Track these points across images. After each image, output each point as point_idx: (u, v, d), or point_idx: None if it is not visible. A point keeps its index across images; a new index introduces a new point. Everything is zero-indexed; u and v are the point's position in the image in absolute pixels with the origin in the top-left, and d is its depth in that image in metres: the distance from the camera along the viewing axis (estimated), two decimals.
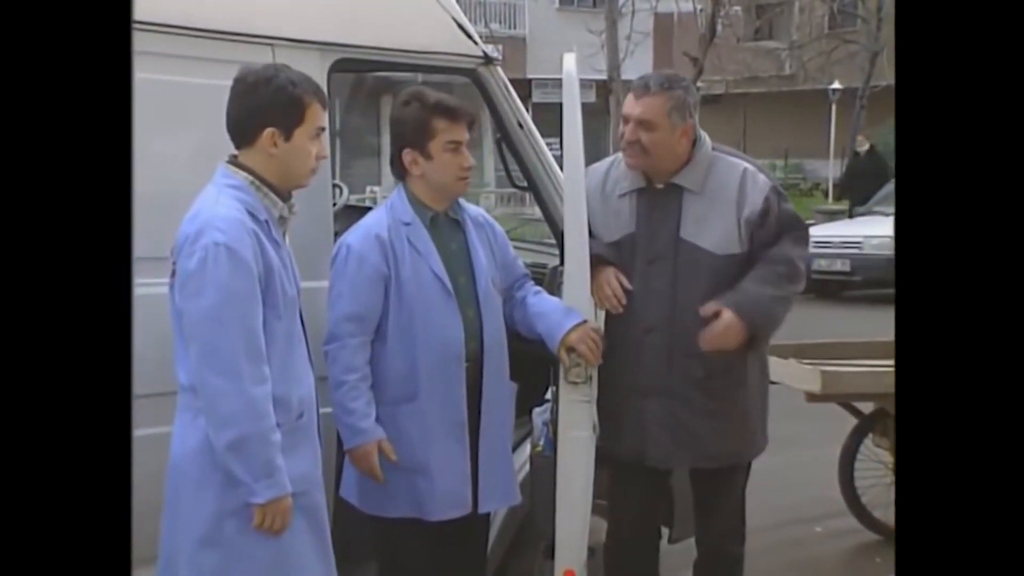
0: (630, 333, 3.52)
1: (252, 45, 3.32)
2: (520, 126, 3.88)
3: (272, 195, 2.91)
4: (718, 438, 3.57)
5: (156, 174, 2.96)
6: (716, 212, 3.49)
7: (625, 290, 3.50)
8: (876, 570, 5.22)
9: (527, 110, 3.99)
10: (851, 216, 16.09)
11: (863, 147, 17.55)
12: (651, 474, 3.71)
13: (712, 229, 3.48)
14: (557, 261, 3.59)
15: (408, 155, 3.35)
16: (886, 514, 5.39)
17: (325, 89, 3.26)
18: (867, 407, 5.56)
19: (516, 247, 3.86)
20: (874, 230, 13.30)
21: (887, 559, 4.93)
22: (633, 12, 19.85)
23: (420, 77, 6.03)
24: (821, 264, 13.25)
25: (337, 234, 3.49)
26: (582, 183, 3.42)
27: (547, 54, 23.51)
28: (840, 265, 13.71)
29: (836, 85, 26.09)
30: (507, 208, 20.97)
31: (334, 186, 4.52)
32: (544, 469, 3.47)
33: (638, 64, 17.25)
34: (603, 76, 18.92)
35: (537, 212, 4.10)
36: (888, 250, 12.11)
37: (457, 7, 3.83)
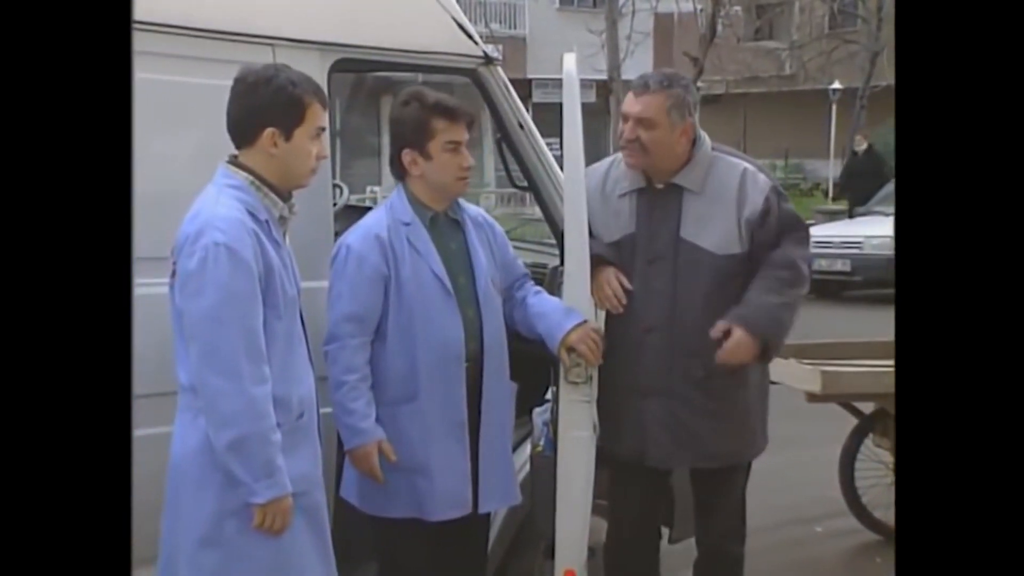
0: (630, 333, 3.52)
1: (252, 45, 3.32)
2: (520, 126, 3.88)
3: (272, 195, 2.91)
4: (718, 438, 3.57)
5: (156, 174, 2.96)
6: (716, 212, 3.49)
7: (625, 290, 3.50)
8: (876, 570, 5.22)
9: (527, 110, 3.99)
10: (851, 216, 16.08)
11: (861, 146, 17.54)
12: (651, 474, 3.71)
13: (712, 229, 3.48)
14: (557, 261, 3.59)
15: (407, 155, 3.35)
16: (886, 514, 5.39)
17: (325, 89, 3.26)
18: (867, 407, 5.56)
19: (516, 247, 3.86)
20: (874, 230, 13.30)
21: (887, 559, 4.93)
22: (633, 12, 19.86)
23: (420, 77, 6.02)
24: (821, 264, 13.23)
25: (337, 234, 3.49)
26: (582, 183, 3.42)
27: (547, 54, 23.52)
28: (840, 265, 13.70)
29: (836, 85, 26.09)
30: (507, 208, 20.98)
31: (334, 186, 4.53)
32: (544, 469, 3.47)
33: (638, 64, 17.24)
34: (603, 76, 18.93)
35: (537, 212, 4.10)
36: (888, 250, 12.10)
37: (457, 7, 3.83)
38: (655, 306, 3.50)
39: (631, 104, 3.50)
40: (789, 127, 29.92)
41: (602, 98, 20.24)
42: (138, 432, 2.12)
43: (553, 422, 3.47)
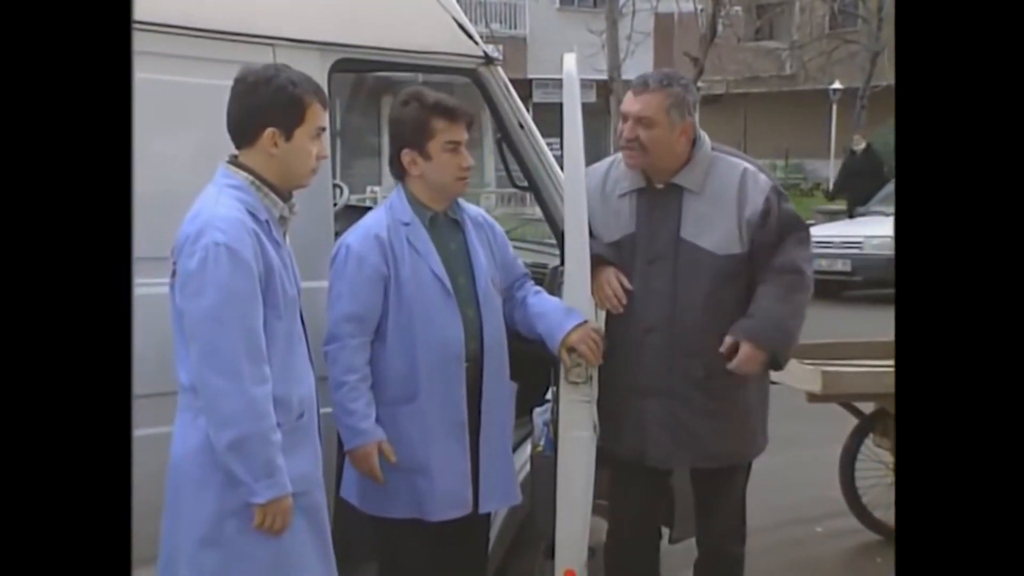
0: (630, 333, 3.52)
1: (253, 45, 3.32)
2: (521, 126, 3.88)
3: (272, 195, 2.91)
4: (718, 438, 3.57)
5: (156, 174, 2.96)
6: (716, 212, 3.49)
7: (625, 290, 3.50)
8: (877, 570, 5.22)
9: (528, 110, 3.99)
10: (851, 216, 16.08)
11: (859, 146, 17.50)
12: (651, 474, 3.71)
13: (712, 229, 3.48)
14: (557, 261, 3.59)
15: (407, 155, 3.35)
16: (887, 514, 5.38)
17: (326, 89, 3.26)
18: (868, 407, 5.56)
19: (516, 247, 3.86)
20: (874, 230, 13.29)
21: (888, 559, 4.93)
22: (634, 12, 19.88)
23: (421, 77, 6.02)
24: (822, 264, 13.20)
25: (337, 234, 3.49)
26: (582, 183, 3.42)
27: (547, 54, 23.52)
28: (841, 265, 13.69)
29: (837, 85, 26.09)
30: (507, 208, 20.98)
31: (335, 186, 4.53)
32: (545, 469, 3.47)
33: (639, 64, 17.25)
34: (604, 76, 18.95)
35: (537, 212, 4.10)
36: (888, 250, 12.09)
37: (457, 7, 3.83)
38: (655, 306, 3.51)
39: (630, 103, 3.50)
40: (789, 127, 29.92)
41: (602, 98, 20.24)
42: (138, 432, 2.12)
43: (553, 422, 3.47)
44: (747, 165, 3.56)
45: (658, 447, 3.57)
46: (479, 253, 3.44)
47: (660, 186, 3.55)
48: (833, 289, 13.47)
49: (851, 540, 5.65)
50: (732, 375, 3.50)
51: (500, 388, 3.46)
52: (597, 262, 3.45)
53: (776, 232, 3.50)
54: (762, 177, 3.55)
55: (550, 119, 4.34)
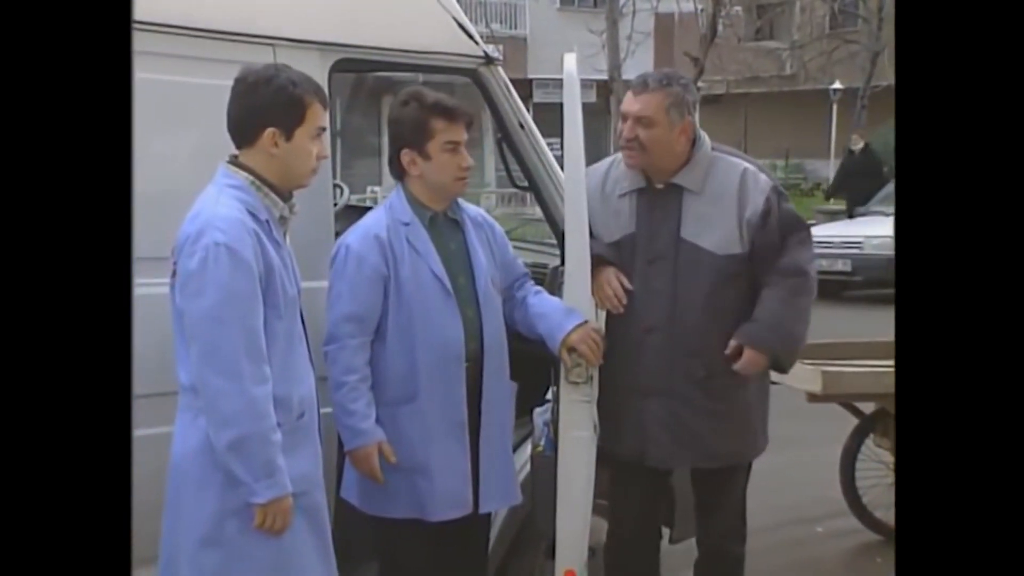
0: (631, 333, 3.52)
1: (253, 45, 3.31)
2: (521, 126, 3.88)
3: (273, 195, 2.91)
4: (719, 438, 3.58)
5: (156, 174, 2.96)
6: (717, 212, 3.49)
7: (626, 290, 3.50)
8: (877, 570, 5.22)
9: (528, 110, 3.99)
10: (851, 216, 16.07)
11: (857, 145, 17.49)
12: (652, 474, 3.71)
13: (713, 229, 3.48)
14: (558, 261, 3.59)
15: (406, 155, 3.35)
16: (887, 514, 5.39)
17: (326, 89, 3.26)
18: (868, 407, 5.56)
19: (517, 247, 3.86)
20: (875, 230, 13.28)
21: (888, 559, 4.92)
22: (634, 12, 19.87)
23: (421, 77, 6.02)
24: (822, 264, 13.04)
25: (338, 234, 3.49)
26: (583, 183, 3.42)
27: (548, 54, 23.52)
28: (841, 265, 13.67)
29: (837, 85, 26.09)
30: (508, 208, 20.98)
31: (335, 186, 4.52)
32: (545, 469, 3.47)
33: (639, 64, 17.24)
34: (604, 76, 18.94)
35: (538, 212, 4.10)
36: (889, 250, 12.09)
37: (458, 7, 3.83)
38: (656, 306, 3.51)
39: (630, 103, 3.51)
40: (790, 127, 29.92)
41: (603, 98, 20.24)
42: (138, 432, 2.12)
43: (554, 422, 3.47)
44: (747, 165, 3.56)
45: (658, 447, 3.57)
46: (479, 253, 3.44)
47: (660, 186, 3.55)
48: (833, 289, 13.44)
49: (851, 540, 5.65)
50: (733, 375, 3.51)
51: (500, 388, 3.46)
52: (597, 262, 3.46)
53: (777, 232, 3.50)
54: (762, 177, 3.55)
55: (550, 119, 4.34)
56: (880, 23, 24.07)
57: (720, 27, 19.79)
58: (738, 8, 24.54)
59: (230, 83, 2.92)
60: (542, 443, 3.53)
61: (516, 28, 28.78)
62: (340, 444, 3.35)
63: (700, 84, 18.11)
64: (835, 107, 26.31)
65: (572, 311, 3.38)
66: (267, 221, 2.87)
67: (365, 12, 3.66)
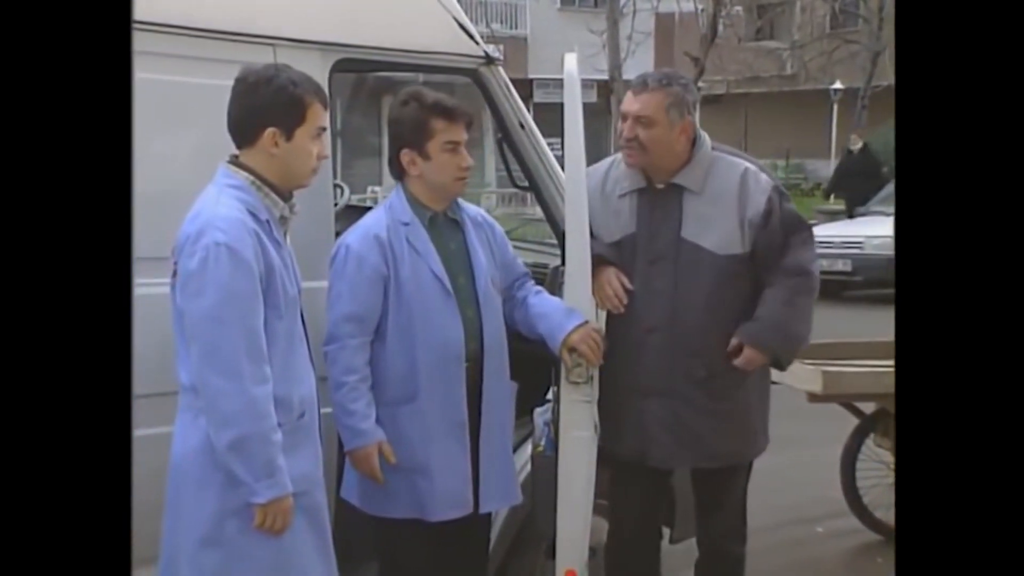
0: (631, 333, 3.52)
1: (253, 45, 3.31)
2: (521, 126, 3.87)
3: (273, 195, 2.91)
4: (719, 438, 3.58)
5: (156, 174, 2.96)
6: (717, 212, 3.49)
7: (626, 290, 3.50)
8: (878, 570, 5.22)
9: (528, 110, 3.98)
10: (850, 216, 16.08)
11: (856, 145, 17.53)
12: (652, 474, 3.71)
13: (714, 229, 3.48)
14: (558, 261, 3.59)
15: (406, 155, 3.35)
16: (887, 514, 5.38)
17: (326, 89, 3.26)
18: (869, 407, 5.56)
19: (517, 247, 3.86)
20: (875, 230, 13.28)
21: (888, 559, 4.92)
22: (634, 12, 19.85)
23: (421, 77, 6.02)
24: (822, 264, 13.09)
25: (338, 234, 3.49)
26: (583, 183, 3.42)
27: (548, 54, 23.51)
28: (841, 265, 13.67)
29: (838, 85, 26.10)
30: (508, 208, 20.97)
31: (335, 186, 4.52)
32: (545, 469, 3.47)
33: (639, 64, 17.23)
34: (604, 76, 18.93)
35: (538, 212, 4.10)
36: (889, 250, 12.09)
37: (458, 7, 3.83)
38: (656, 306, 3.51)
39: (630, 103, 3.51)
40: (790, 127, 29.91)
41: (603, 98, 20.23)
42: (138, 432, 2.12)
43: (554, 422, 3.47)
44: (748, 165, 3.57)
45: (660, 447, 3.57)
46: (479, 253, 3.44)
47: (660, 186, 3.55)
48: (833, 289, 13.43)
49: (852, 540, 5.65)
50: (734, 375, 3.51)
51: (500, 388, 3.46)
52: (598, 262, 3.45)
53: (779, 232, 3.50)
54: (763, 177, 3.56)
55: (551, 119, 4.34)
56: (881, 23, 24.07)
57: (720, 27, 19.78)
58: (738, 8, 24.52)
59: (230, 83, 2.92)
60: (542, 443, 3.52)
61: (516, 28, 28.77)
62: (340, 444, 3.35)
63: (700, 84, 18.11)
64: (836, 107, 26.31)
65: (573, 311, 3.38)
66: (267, 221, 2.87)
67: (365, 12, 3.66)
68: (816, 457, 6.09)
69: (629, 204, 3.57)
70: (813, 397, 5.12)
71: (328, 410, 3.22)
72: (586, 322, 3.37)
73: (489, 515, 3.57)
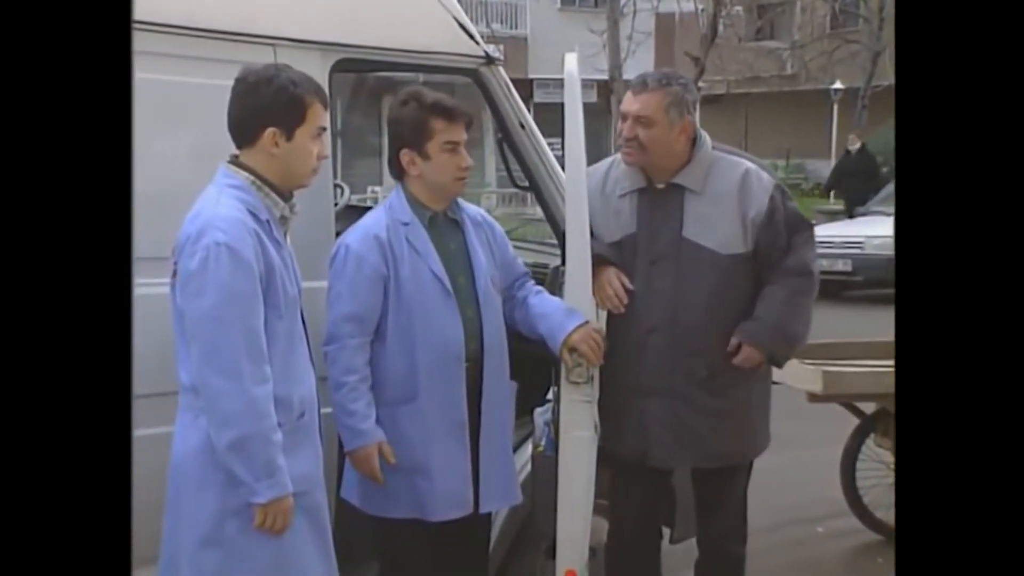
0: (632, 333, 3.52)
1: (253, 45, 3.31)
2: (522, 126, 3.87)
3: (273, 195, 2.91)
4: (720, 438, 3.58)
5: (156, 174, 2.96)
6: (719, 212, 3.49)
7: (627, 290, 3.50)
8: (878, 570, 5.22)
9: (529, 110, 3.98)
10: (850, 216, 16.09)
11: (854, 146, 17.57)
12: (653, 474, 3.71)
13: (715, 229, 3.49)
14: (559, 261, 3.59)
15: (406, 155, 3.35)
16: (888, 514, 5.38)
17: (326, 89, 3.26)
18: (869, 407, 5.56)
19: (517, 247, 3.86)
20: (875, 230, 13.28)
21: (889, 559, 4.92)
22: (635, 12, 19.84)
23: (422, 77, 6.02)
24: (823, 264, 13.08)
25: (338, 234, 3.49)
26: (583, 183, 3.42)
27: (549, 54, 23.50)
28: (841, 265, 13.67)
29: (838, 85, 26.08)
30: (508, 208, 20.95)
31: (335, 186, 4.52)
32: (545, 469, 3.47)
33: (640, 64, 17.21)
34: (605, 76, 18.92)
35: (538, 212, 4.10)
36: (889, 250, 12.08)
37: (459, 7, 3.83)
38: (657, 306, 3.51)
39: (630, 102, 3.51)
40: (790, 127, 29.89)
41: (603, 98, 20.23)
42: (138, 432, 2.12)
43: (554, 422, 3.47)
44: (749, 164, 3.57)
45: (661, 447, 3.57)
46: (479, 253, 3.44)
47: (661, 186, 3.55)
48: (834, 289, 13.43)
49: (852, 540, 5.65)
50: (735, 374, 3.52)
51: (500, 388, 3.46)
52: (598, 262, 3.45)
53: (782, 231, 3.51)
54: (765, 176, 3.56)
55: (551, 119, 4.34)
56: (881, 23, 24.05)
57: (721, 27, 19.78)
58: (739, 8, 24.52)
59: (230, 83, 2.92)
60: (543, 443, 3.53)
61: (517, 28, 28.78)
62: (341, 444, 3.35)
63: (701, 84, 18.11)
64: (836, 107, 26.30)
65: (573, 311, 3.38)
66: (268, 221, 2.87)
67: (366, 12, 3.66)
68: (816, 457, 6.09)
69: (629, 204, 3.57)
70: (813, 397, 5.12)
71: (328, 410, 3.22)
72: (586, 322, 3.37)
73: (489, 515, 3.57)
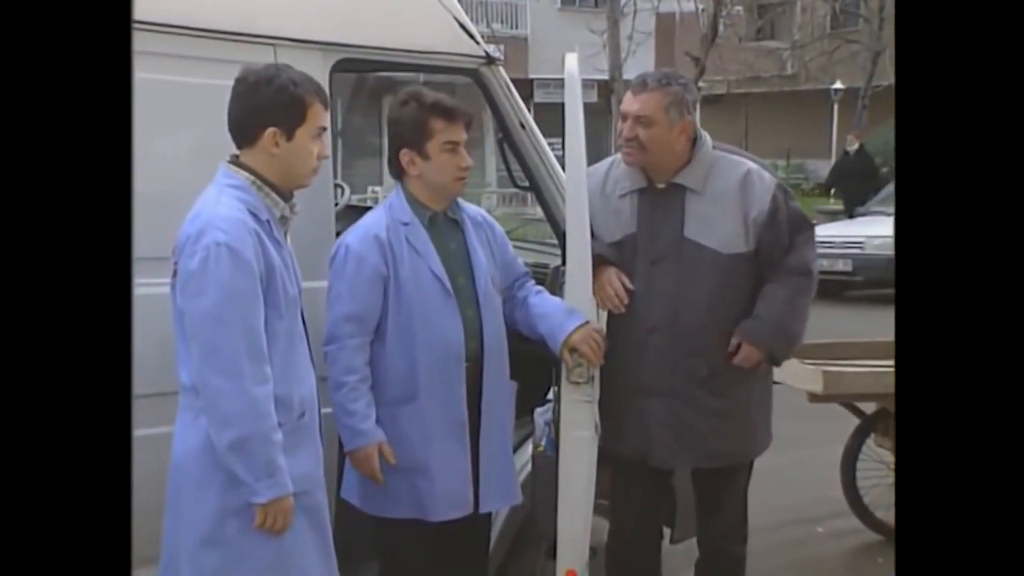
0: (632, 333, 3.52)
1: (254, 45, 3.31)
2: (522, 126, 3.88)
3: (274, 195, 2.91)
4: (721, 438, 3.58)
5: (156, 174, 2.96)
6: (720, 211, 3.49)
7: (627, 290, 3.50)
8: (878, 570, 5.22)
9: (529, 110, 3.98)
10: (850, 216, 16.10)
11: (853, 146, 17.61)
12: (653, 474, 3.71)
13: (716, 228, 3.49)
14: (559, 261, 3.59)
15: (405, 155, 3.35)
16: (888, 514, 5.38)
17: (327, 89, 3.26)
18: (869, 407, 5.56)
19: (518, 247, 3.86)
20: (876, 230, 13.28)
21: (889, 559, 4.92)
22: (635, 12, 19.84)
23: (422, 77, 6.02)
24: (823, 264, 13.05)
25: (338, 234, 3.49)
26: (584, 183, 3.42)
27: (549, 54, 23.50)
28: (842, 265, 13.67)
29: (838, 85, 26.08)
30: (509, 208, 20.96)
31: (336, 186, 4.52)
32: (546, 469, 3.47)
33: (640, 64, 17.21)
34: (605, 76, 18.92)
35: (539, 212, 4.10)
36: (890, 250, 12.08)
37: (459, 7, 3.83)
38: (658, 306, 3.51)
39: (629, 102, 3.51)
40: (791, 127, 29.89)
41: (604, 98, 20.22)
42: (138, 432, 2.12)
43: (555, 422, 3.47)
44: (751, 164, 3.57)
45: (662, 447, 3.57)
46: (479, 253, 3.44)
47: (661, 186, 3.55)
48: (834, 289, 13.44)
49: (852, 540, 5.65)
50: (736, 374, 3.52)
51: (500, 388, 3.46)
52: (599, 262, 3.45)
53: (785, 231, 3.52)
54: (766, 175, 3.56)
55: (551, 119, 4.34)
56: (881, 23, 24.04)
57: (721, 27, 19.78)
58: (739, 8, 24.51)
59: (231, 83, 2.92)
60: (543, 443, 3.52)
61: (517, 28, 28.78)
62: (341, 444, 3.35)
63: (701, 84, 18.11)
64: (836, 107, 26.30)
65: (573, 311, 3.38)
66: (268, 221, 2.87)
67: (366, 12, 3.66)
68: (817, 457, 6.09)
69: (630, 204, 3.57)
70: (814, 397, 5.12)
71: (328, 410, 3.22)
72: (587, 322, 3.37)
73: (489, 515, 3.57)
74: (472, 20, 3.97)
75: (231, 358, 2.73)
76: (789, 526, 5.80)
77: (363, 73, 5.41)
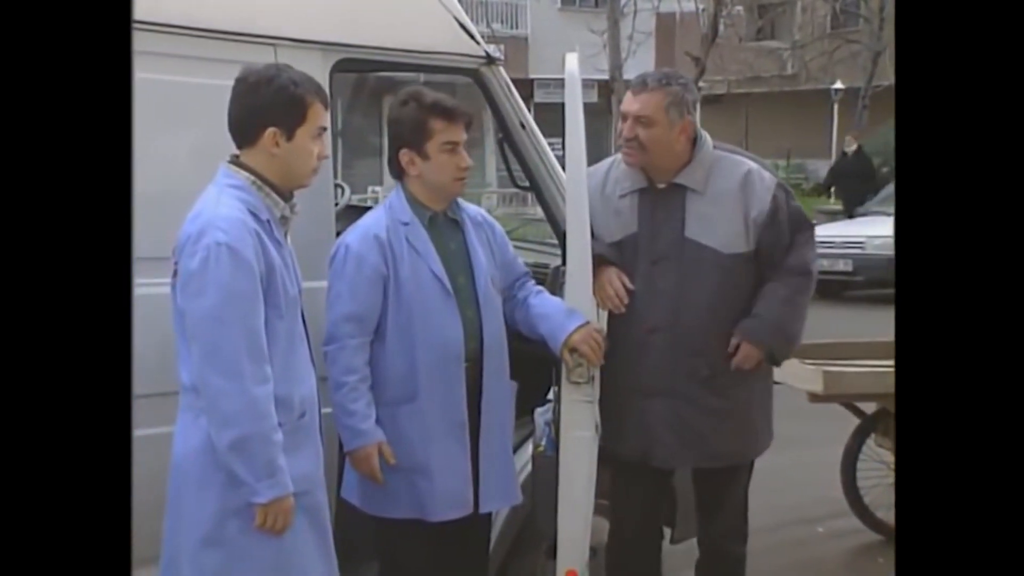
0: (633, 333, 3.52)
1: (254, 45, 3.31)
2: (522, 126, 3.87)
3: (274, 195, 2.91)
4: (722, 437, 3.58)
5: (156, 174, 2.96)
6: (721, 211, 3.49)
7: (628, 290, 3.50)
8: (878, 570, 5.22)
9: (529, 110, 3.98)
10: (850, 216, 16.10)
11: (851, 147, 17.63)
12: (654, 474, 3.71)
13: (717, 228, 3.49)
14: (559, 261, 3.59)
15: (405, 155, 3.35)
16: (888, 514, 5.38)
17: (327, 89, 3.26)
18: (869, 407, 5.56)
19: (518, 247, 3.86)
20: (876, 230, 13.28)
21: (889, 559, 4.92)
22: (635, 12, 19.85)
23: (422, 77, 6.02)
24: (823, 264, 13.02)
25: (338, 234, 3.49)
26: (584, 183, 3.42)
27: (549, 54, 23.50)
28: (842, 265, 13.68)
29: (838, 85, 26.08)
30: (509, 208, 20.98)
31: (336, 186, 4.52)
32: (546, 469, 3.47)
33: (640, 64, 17.21)
34: (605, 76, 18.93)
35: (539, 212, 4.10)
36: (890, 250, 12.08)
37: (459, 7, 3.83)
38: (659, 306, 3.51)
39: (629, 102, 3.51)
40: (791, 127, 29.88)
41: (604, 98, 20.23)
42: (138, 432, 2.12)
43: (555, 422, 3.47)
44: (751, 164, 3.57)
45: (663, 447, 3.57)
46: (479, 253, 3.44)
47: (662, 186, 3.55)
48: (834, 289, 13.45)
49: (853, 540, 5.65)
50: (736, 374, 3.52)
51: (500, 388, 3.46)
52: (599, 262, 3.45)
53: (786, 231, 3.52)
54: (767, 175, 3.56)
55: (552, 119, 4.35)
56: (881, 23, 24.05)
57: (721, 27, 19.79)
58: (739, 8, 24.51)
59: (231, 83, 2.92)
60: (543, 443, 3.52)
61: (517, 28, 28.79)
62: (341, 444, 3.35)
63: (701, 84, 18.12)
64: (836, 107, 26.29)
65: (574, 311, 3.38)
66: (268, 221, 2.87)
67: (366, 12, 3.66)
68: (817, 457, 6.09)
69: (630, 204, 3.57)
70: (814, 397, 5.12)
71: (329, 410, 3.22)
72: (587, 322, 3.37)
73: (489, 515, 3.57)
74: (472, 20, 3.97)
75: (231, 358, 2.73)
76: (789, 526, 5.80)
77: (363, 73, 5.41)
